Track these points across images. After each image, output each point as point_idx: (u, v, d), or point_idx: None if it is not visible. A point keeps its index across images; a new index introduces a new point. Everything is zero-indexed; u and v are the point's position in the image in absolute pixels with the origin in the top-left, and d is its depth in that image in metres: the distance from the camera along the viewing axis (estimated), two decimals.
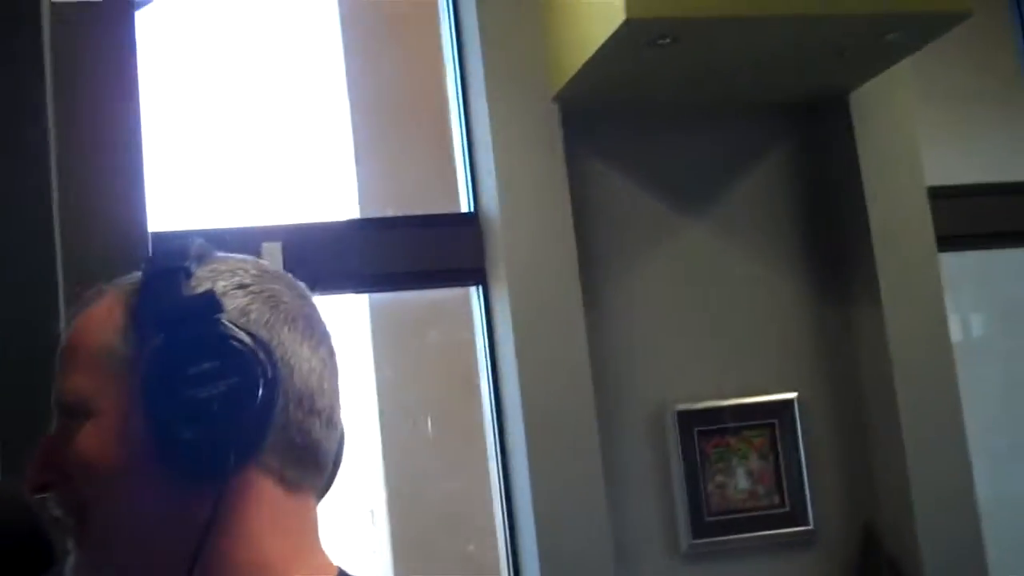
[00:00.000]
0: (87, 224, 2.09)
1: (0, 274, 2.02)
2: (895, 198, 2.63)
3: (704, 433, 2.49)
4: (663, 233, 2.59)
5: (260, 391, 0.80)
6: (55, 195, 2.08)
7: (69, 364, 0.86)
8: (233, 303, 0.84)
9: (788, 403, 2.55)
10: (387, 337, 3.08)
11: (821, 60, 2.41)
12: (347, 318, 2.94)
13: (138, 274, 0.87)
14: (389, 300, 3.00)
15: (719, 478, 2.50)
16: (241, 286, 0.86)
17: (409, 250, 2.52)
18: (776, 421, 2.55)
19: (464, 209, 2.58)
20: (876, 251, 2.58)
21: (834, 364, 2.64)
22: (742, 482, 2.51)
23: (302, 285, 0.92)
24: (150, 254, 0.88)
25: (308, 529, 0.88)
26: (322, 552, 0.88)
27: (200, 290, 0.84)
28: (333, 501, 0.95)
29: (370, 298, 2.93)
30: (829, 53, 2.37)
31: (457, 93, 2.60)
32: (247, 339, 0.81)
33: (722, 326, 2.59)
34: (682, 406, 2.49)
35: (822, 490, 2.55)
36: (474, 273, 2.52)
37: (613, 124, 2.58)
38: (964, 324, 3.20)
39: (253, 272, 0.88)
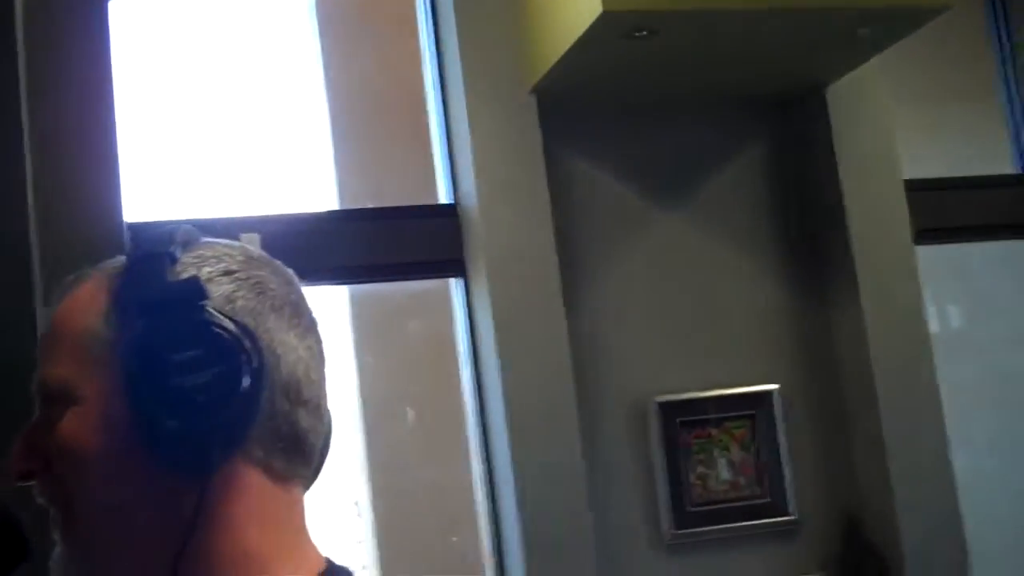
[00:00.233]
0: (63, 215, 2.07)
1: None
2: (872, 191, 2.65)
3: (686, 424, 2.50)
4: (643, 224, 2.59)
5: (245, 380, 0.78)
6: (30, 185, 2.05)
7: (52, 349, 0.84)
8: (218, 290, 0.82)
9: (769, 394, 2.56)
10: (367, 329, 3.07)
11: (795, 54, 2.43)
12: (327, 310, 2.92)
13: (122, 258, 0.86)
14: (369, 292, 2.99)
15: (701, 469, 2.50)
16: (227, 272, 0.84)
17: (388, 242, 2.51)
18: (757, 412, 2.55)
19: (443, 200, 2.57)
20: (854, 244, 2.59)
21: (814, 355, 2.65)
22: (724, 473, 2.51)
23: (290, 272, 0.90)
24: (134, 239, 0.86)
25: (295, 520, 0.86)
26: (310, 543, 0.87)
27: (185, 276, 0.82)
28: (317, 492, 0.94)
29: (350, 290, 2.91)
30: (803, 47, 2.38)
31: (435, 84, 2.59)
32: (232, 327, 0.79)
33: (703, 318, 2.59)
34: (664, 397, 2.49)
35: (803, 480, 2.56)
36: (453, 264, 2.51)
37: (590, 116, 2.58)
38: (941, 316, 3.21)
39: (240, 258, 0.86)
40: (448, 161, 2.56)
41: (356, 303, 3.02)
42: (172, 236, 0.85)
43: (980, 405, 3.11)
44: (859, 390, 2.58)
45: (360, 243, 2.49)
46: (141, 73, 2.53)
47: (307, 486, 0.88)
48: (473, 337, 2.48)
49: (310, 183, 2.95)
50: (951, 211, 2.89)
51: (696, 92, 2.61)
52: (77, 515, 0.81)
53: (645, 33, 2.19)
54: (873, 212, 2.63)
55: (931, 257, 2.80)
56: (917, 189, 2.70)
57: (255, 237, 2.27)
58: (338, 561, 0.87)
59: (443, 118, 2.57)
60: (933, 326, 2.79)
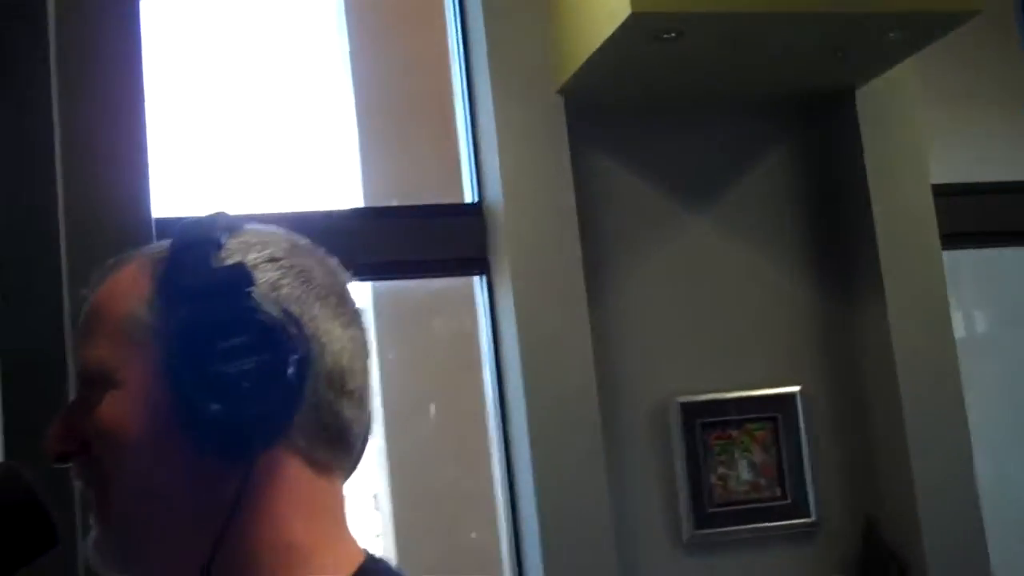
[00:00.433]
0: (92, 211, 2.09)
1: (5, 260, 2.02)
2: (900, 195, 2.63)
3: (707, 425, 2.49)
4: (668, 225, 2.59)
5: (290, 368, 0.77)
6: (59, 182, 2.08)
7: (92, 332, 0.83)
8: (264, 276, 0.81)
9: (792, 396, 2.55)
10: (391, 325, 3.08)
11: (824, 57, 2.41)
12: None
13: (166, 243, 0.84)
14: (393, 289, 3.00)
15: (721, 470, 2.50)
16: (272, 259, 0.83)
17: (413, 239, 2.52)
18: (779, 414, 2.54)
19: (468, 199, 2.58)
20: (880, 247, 2.57)
21: (837, 358, 2.64)
22: (744, 474, 2.51)
23: (334, 261, 0.89)
24: (178, 225, 0.85)
25: (337, 511, 0.85)
26: (349, 535, 0.85)
27: (230, 262, 0.81)
28: None
29: (373, 287, 2.93)
30: (832, 50, 2.37)
31: (462, 83, 2.59)
32: (278, 314, 0.78)
33: (726, 319, 2.59)
34: (685, 398, 2.48)
35: (824, 482, 2.55)
36: (478, 263, 2.52)
37: (618, 117, 2.58)
38: (967, 321, 3.20)
39: (285, 245, 0.85)
40: (474, 160, 2.56)
41: (379, 300, 3.03)
42: (217, 221, 0.84)
43: (1004, 409, 3.09)
44: (883, 393, 2.56)
45: (385, 240, 2.49)
46: (170, 70, 2.55)
47: (347, 477, 0.87)
48: (496, 335, 2.48)
49: (336, 180, 2.97)
50: (979, 215, 2.87)
51: (724, 94, 2.60)
52: (113, 498, 0.81)
53: (673, 35, 2.18)
54: (900, 215, 2.61)
55: (958, 261, 2.79)
56: (945, 193, 2.68)
57: None
58: (376, 554, 0.86)
59: (469, 117, 2.57)
60: (959, 331, 2.77)
